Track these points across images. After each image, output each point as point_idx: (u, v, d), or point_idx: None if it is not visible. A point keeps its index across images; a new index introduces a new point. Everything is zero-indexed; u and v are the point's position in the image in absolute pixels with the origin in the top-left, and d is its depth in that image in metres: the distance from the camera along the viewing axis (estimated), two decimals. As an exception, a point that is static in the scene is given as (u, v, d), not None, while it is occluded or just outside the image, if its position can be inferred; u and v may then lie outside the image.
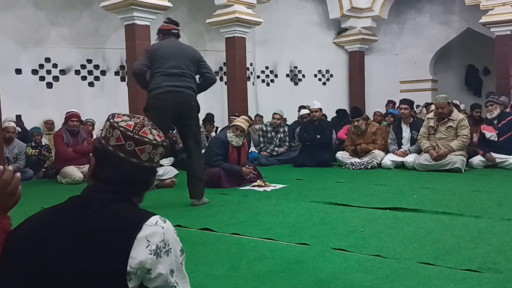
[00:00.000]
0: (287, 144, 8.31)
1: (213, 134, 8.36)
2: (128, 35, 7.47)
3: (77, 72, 8.53)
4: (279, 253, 2.82)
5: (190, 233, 3.39)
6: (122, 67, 8.84)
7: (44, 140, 7.48)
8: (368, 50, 11.74)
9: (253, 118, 8.63)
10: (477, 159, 6.66)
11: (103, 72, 8.69)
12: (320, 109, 7.64)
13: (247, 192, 5.16)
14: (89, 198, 1.24)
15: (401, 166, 6.87)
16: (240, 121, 5.70)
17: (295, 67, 11.22)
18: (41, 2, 8.11)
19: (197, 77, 4.54)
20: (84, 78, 8.60)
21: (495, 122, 6.68)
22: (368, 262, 2.58)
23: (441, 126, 6.56)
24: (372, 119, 8.22)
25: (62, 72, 8.40)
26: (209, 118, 8.57)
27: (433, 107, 7.32)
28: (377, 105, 9.96)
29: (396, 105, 9.09)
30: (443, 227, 3.31)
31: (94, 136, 6.82)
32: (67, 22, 8.35)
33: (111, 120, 1.29)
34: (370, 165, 6.90)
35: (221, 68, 10.04)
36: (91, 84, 8.66)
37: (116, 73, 8.90)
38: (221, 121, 9.59)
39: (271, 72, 10.97)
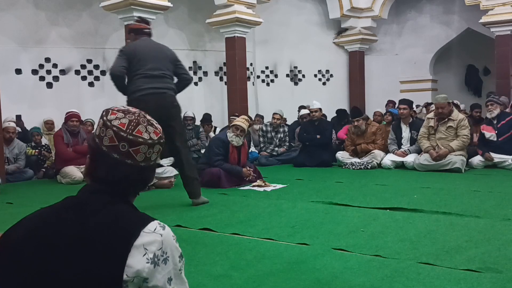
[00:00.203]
0: (287, 144, 8.31)
1: (211, 134, 8.37)
2: (128, 35, 7.47)
3: (77, 72, 8.53)
4: (279, 253, 2.82)
5: (190, 233, 3.39)
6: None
7: (44, 140, 7.48)
8: (368, 50, 11.74)
9: (252, 118, 8.63)
10: (477, 159, 6.66)
11: (103, 72, 8.68)
12: (320, 109, 7.64)
13: (247, 192, 5.16)
14: (87, 199, 1.22)
15: (401, 166, 6.87)
16: (240, 121, 5.70)
17: (295, 67, 11.22)
18: (41, 2, 8.12)
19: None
20: (84, 78, 8.60)
21: (495, 122, 6.68)
22: (368, 262, 2.58)
23: (441, 126, 6.56)
24: (372, 119, 8.22)
25: (62, 72, 8.40)
26: (207, 118, 8.58)
27: (433, 107, 7.32)
28: (377, 105, 9.96)
29: (396, 105, 9.09)
30: (443, 227, 3.31)
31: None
32: (67, 22, 8.35)
33: (105, 118, 1.24)
34: (370, 165, 6.90)
35: (221, 68, 10.04)
36: (91, 84, 8.66)
37: (116, 73, 8.89)
38: (221, 121, 9.59)
39: (271, 72, 10.97)
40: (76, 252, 1.11)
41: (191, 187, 4.39)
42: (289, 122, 9.31)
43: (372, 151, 7.16)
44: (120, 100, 8.33)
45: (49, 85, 8.31)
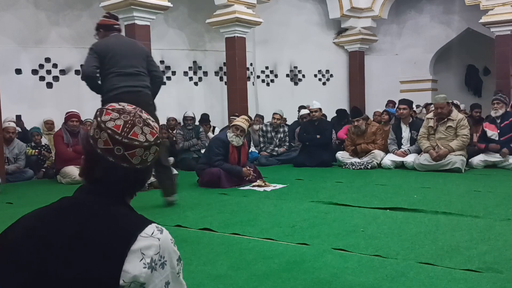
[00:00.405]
0: (287, 144, 8.31)
1: (210, 134, 8.37)
2: (128, 35, 7.46)
3: (77, 72, 8.51)
4: (279, 253, 2.82)
5: (190, 233, 3.39)
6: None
7: (44, 140, 7.48)
8: (368, 50, 11.74)
9: (252, 118, 8.63)
10: (477, 159, 6.66)
11: (103, 72, 8.68)
12: (320, 109, 7.64)
13: (247, 192, 5.16)
14: (84, 199, 1.20)
15: (401, 166, 6.87)
16: (240, 121, 5.70)
17: (295, 67, 11.22)
18: (41, 2, 8.12)
19: None
20: (84, 78, 8.59)
21: (498, 121, 6.67)
22: (368, 262, 2.58)
23: (441, 126, 6.56)
24: (372, 119, 8.22)
25: (62, 72, 8.40)
26: (205, 118, 8.59)
27: (432, 107, 7.32)
28: (377, 105, 9.96)
29: (396, 105, 9.09)
30: (443, 227, 3.31)
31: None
32: (67, 22, 8.35)
33: (99, 119, 1.19)
34: (370, 165, 6.90)
35: (221, 68, 10.04)
36: (91, 84, 8.65)
37: (116, 73, 8.89)
38: (221, 121, 9.59)
39: (271, 72, 10.97)
40: (74, 253, 1.10)
41: (163, 185, 4.34)
42: (289, 122, 9.31)
43: (372, 151, 7.16)
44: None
45: (49, 85, 8.30)
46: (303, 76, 11.32)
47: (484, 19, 9.48)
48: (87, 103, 8.36)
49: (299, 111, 9.34)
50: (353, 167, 6.96)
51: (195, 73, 9.82)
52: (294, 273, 2.45)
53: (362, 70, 11.58)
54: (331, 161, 7.48)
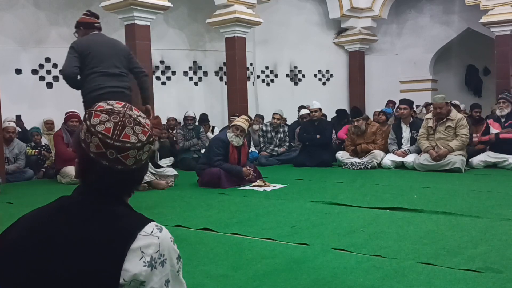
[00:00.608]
0: (287, 144, 8.31)
1: (209, 134, 8.38)
2: (128, 35, 7.48)
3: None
4: (279, 253, 2.81)
5: (190, 233, 3.38)
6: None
7: (44, 140, 7.48)
8: (368, 50, 11.74)
9: (252, 118, 8.63)
10: (477, 159, 6.66)
11: (103, 72, 8.67)
12: (320, 109, 7.64)
13: (247, 192, 5.16)
14: (82, 200, 1.20)
15: (401, 166, 6.87)
16: (240, 121, 5.70)
17: (295, 67, 11.22)
18: (41, 2, 8.12)
19: None
20: (84, 78, 8.59)
21: (503, 120, 6.67)
22: (368, 262, 2.58)
23: (440, 126, 6.56)
24: (372, 119, 8.22)
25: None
26: (204, 118, 8.62)
27: (432, 107, 7.32)
28: (377, 105, 9.97)
29: (396, 105, 9.09)
30: (443, 227, 3.31)
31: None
32: (67, 22, 8.34)
33: (88, 123, 1.16)
34: (370, 165, 6.90)
35: (221, 68, 10.04)
36: (91, 84, 8.65)
37: (116, 73, 8.88)
38: (221, 121, 9.60)
39: (271, 72, 10.97)
40: (74, 253, 1.11)
41: None
42: (289, 122, 9.31)
43: (372, 151, 7.16)
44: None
45: (49, 85, 8.30)
46: (303, 76, 11.32)
47: (484, 19, 9.48)
48: (87, 103, 8.38)
49: (299, 111, 9.34)
50: (353, 167, 6.96)
51: (195, 73, 9.82)
52: (294, 273, 2.45)
53: (362, 70, 11.58)
54: (331, 161, 7.48)
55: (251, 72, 10.39)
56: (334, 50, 11.62)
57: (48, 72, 8.29)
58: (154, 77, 8.61)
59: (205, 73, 9.95)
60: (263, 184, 5.42)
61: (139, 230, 1.13)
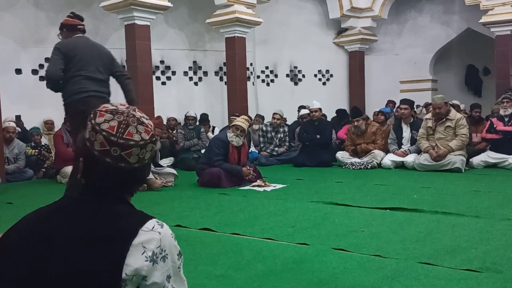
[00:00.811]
0: (287, 144, 8.31)
1: (209, 134, 8.38)
2: (128, 35, 7.48)
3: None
4: (279, 253, 2.82)
5: (190, 233, 3.38)
6: (122, 67, 8.83)
7: (44, 140, 7.48)
8: (368, 50, 11.75)
9: (252, 118, 8.64)
10: (478, 159, 6.65)
11: (103, 72, 8.67)
12: (320, 109, 7.64)
13: (247, 192, 5.16)
14: (84, 199, 1.22)
15: (401, 166, 6.86)
16: (240, 121, 5.70)
17: (295, 67, 11.22)
18: (41, 2, 8.12)
19: None
20: (84, 78, 8.59)
21: (506, 119, 6.67)
22: (368, 262, 2.58)
23: (440, 126, 6.56)
24: (372, 119, 8.22)
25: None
26: (204, 118, 8.62)
27: (431, 107, 7.32)
28: (377, 105, 9.96)
29: (396, 105, 9.09)
30: (443, 227, 3.31)
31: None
32: (67, 22, 8.34)
33: (93, 121, 1.19)
34: (370, 165, 6.90)
35: (221, 68, 10.05)
36: (91, 84, 8.65)
37: (116, 73, 8.88)
38: (221, 121, 9.60)
39: (271, 72, 10.97)
40: (75, 252, 1.11)
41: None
42: (289, 122, 9.31)
43: (372, 151, 7.16)
44: (119, 100, 8.34)
45: (49, 85, 8.29)
46: (303, 76, 11.32)
47: (484, 19, 9.48)
48: (87, 103, 8.38)
49: (299, 111, 9.34)
50: (353, 167, 6.96)
51: (195, 73, 9.82)
52: (294, 273, 2.45)
53: (362, 70, 11.59)
54: (331, 161, 7.48)
55: (251, 72, 10.40)
56: (334, 50, 11.62)
57: (48, 72, 8.28)
58: (154, 77, 8.61)
59: (205, 73, 9.95)
60: (263, 184, 5.43)
61: (141, 226, 1.15)
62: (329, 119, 9.12)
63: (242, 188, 5.44)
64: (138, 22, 7.36)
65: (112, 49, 8.70)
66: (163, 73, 9.40)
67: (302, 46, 11.01)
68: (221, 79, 10.08)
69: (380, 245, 2.89)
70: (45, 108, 8.03)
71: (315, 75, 11.46)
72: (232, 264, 2.63)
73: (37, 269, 1.13)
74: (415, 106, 8.08)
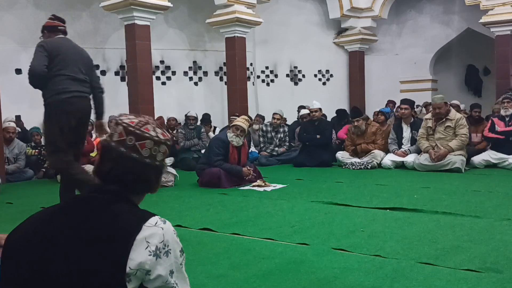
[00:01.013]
0: (287, 144, 8.31)
1: (210, 134, 8.38)
2: (128, 35, 7.48)
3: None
4: (279, 253, 2.82)
5: (190, 233, 3.39)
6: (122, 67, 8.84)
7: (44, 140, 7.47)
8: (368, 50, 11.74)
9: (252, 118, 8.64)
10: (479, 158, 6.65)
11: (103, 72, 8.68)
12: (320, 109, 7.64)
13: (247, 192, 5.16)
14: (89, 198, 1.24)
15: (401, 166, 6.87)
16: (240, 121, 5.71)
17: (295, 67, 11.22)
18: (41, 2, 8.11)
19: None
20: (84, 78, 8.59)
21: (507, 119, 6.67)
22: (368, 262, 2.58)
23: (440, 126, 6.56)
24: (372, 119, 8.22)
25: (62, 72, 8.39)
26: (206, 118, 8.62)
27: (431, 107, 7.32)
28: (377, 105, 9.95)
29: (397, 105, 9.09)
30: (443, 227, 3.31)
31: (94, 136, 6.83)
32: (67, 22, 8.21)
33: (117, 119, 1.32)
34: (370, 165, 6.90)
35: (221, 68, 10.04)
36: (91, 84, 8.65)
37: (116, 73, 8.89)
38: (221, 121, 9.60)
39: (271, 72, 10.97)
40: (75, 252, 1.12)
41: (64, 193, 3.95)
42: (289, 122, 9.31)
43: (372, 151, 7.16)
44: (120, 100, 8.37)
45: (49, 85, 8.29)
46: (303, 76, 11.32)
47: (484, 19, 9.48)
48: (87, 103, 8.37)
49: (299, 111, 9.34)
50: (353, 167, 6.96)
51: (195, 73, 9.82)
52: (294, 273, 2.45)
53: (362, 70, 11.58)
54: (331, 161, 7.48)
55: (251, 72, 10.39)
56: (334, 50, 11.62)
57: (48, 72, 8.27)
58: (154, 77, 8.61)
59: (205, 73, 9.95)
60: (263, 184, 5.43)
61: (144, 222, 1.18)
62: (329, 119, 9.12)
63: (242, 188, 5.44)
64: (138, 22, 7.35)
65: (112, 49, 8.81)
66: (163, 73, 9.40)
67: (302, 46, 11.01)
68: (221, 79, 10.08)
69: (380, 245, 2.89)
70: (45, 108, 8.02)
71: (315, 75, 11.46)
72: (232, 264, 2.63)
73: (38, 270, 1.13)
74: (415, 106, 8.08)
